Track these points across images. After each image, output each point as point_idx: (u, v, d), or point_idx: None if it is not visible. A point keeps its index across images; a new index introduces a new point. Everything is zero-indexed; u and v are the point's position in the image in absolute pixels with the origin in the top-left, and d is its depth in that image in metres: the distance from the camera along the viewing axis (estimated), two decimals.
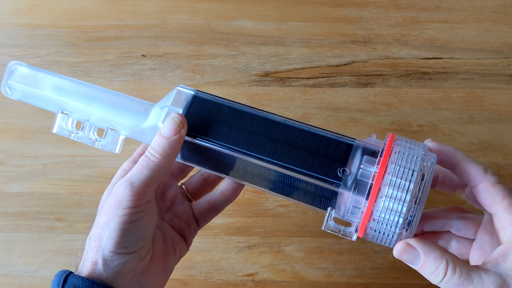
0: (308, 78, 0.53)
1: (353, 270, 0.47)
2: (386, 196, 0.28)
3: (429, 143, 0.31)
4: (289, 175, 0.31)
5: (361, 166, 0.30)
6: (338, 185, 0.30)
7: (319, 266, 0.47)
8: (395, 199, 0.28)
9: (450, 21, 0.56)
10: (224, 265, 0.47)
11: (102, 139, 0.36)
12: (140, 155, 0.35)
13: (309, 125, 0.32)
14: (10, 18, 0.57)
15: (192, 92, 0.34)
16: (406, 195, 0.28)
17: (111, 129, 0.35)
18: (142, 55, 0.54)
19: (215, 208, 0.39)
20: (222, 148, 0.32)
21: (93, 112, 0.35)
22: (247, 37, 0.55)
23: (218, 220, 0.48)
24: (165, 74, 0.54)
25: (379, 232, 0.29)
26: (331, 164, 0.30)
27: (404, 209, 0.28)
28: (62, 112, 0.37)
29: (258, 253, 0.47)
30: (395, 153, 0.29)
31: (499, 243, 0.29)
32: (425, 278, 0.47)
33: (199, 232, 0.48)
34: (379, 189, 0.28)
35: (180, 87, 0.35)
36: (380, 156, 0.29)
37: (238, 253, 0.47)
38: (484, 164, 0.49)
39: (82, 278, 0.29)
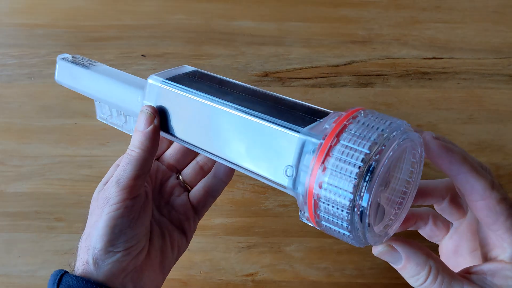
0: (308, 78, 0.53)
1: (353, 270, 0.47)
2: (327, 186, 0.24)
3: (430, 138, 0.27)
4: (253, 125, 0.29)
5: (300, 165, 0.26)
6: (297, 132, 0.27)
7: (319, 266, 0.47)
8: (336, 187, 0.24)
9: (450, 21, 0.56)
10: (224, 265, 0.47)
11: (126, 123, 0.37)
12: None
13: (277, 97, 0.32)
14: (9, 18, 0.56)
15: (191, 69, 0.35)
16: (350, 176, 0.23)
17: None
18: (141, 55, 0.54)
19: (211, 193, 0.39)
20: (194, 94, 0.31)
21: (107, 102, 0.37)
22: (247, 37, 0.55)
23: (218, 220, 0.48)
24: None
25: (330, 222, 0.25)
26: (295, 119, 0.28)
27: (347, 202, 0.23)
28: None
29: (258, 253, 0.47)
30: (344, 134, 0.25)
31: (487, 256, 0.28)
32: None
33: (199, 232, 0.48)
34: (314, 191, 0.24)
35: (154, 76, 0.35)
36: (316, 154, 0.25)
37: (238, 253, 0.47)
38: None
39: (76, 277, 0.29)
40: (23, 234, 0.48)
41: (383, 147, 0.24)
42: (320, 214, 0.25)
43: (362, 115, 0.26)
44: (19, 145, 0.51)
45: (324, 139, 0.25)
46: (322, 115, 0.30)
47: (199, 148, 0.32)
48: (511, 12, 0.56)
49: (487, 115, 0.51)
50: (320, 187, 0.24)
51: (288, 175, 0.27)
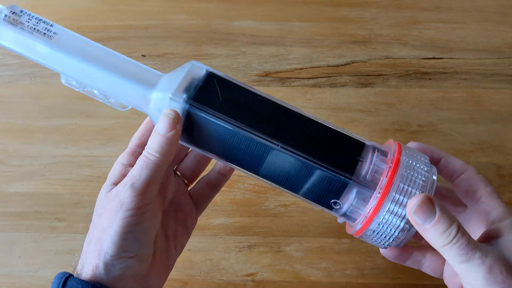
0: (308, 78, 0.53)
1: (353, 270, 0.47)
2: (387, 211, 0.29)
3: (412, 143, 0.33)
4: (300, 165, 0.30)
5: (374, 161, 0.30)
6: (349, 179, 0.29)
7: (319, 266, 0.47)
8: (400, 205, 0.28)
9: (450, 21, 0.56)
10: (224, 265, 0.47)
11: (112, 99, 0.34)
12: (137, 145, 0.34)
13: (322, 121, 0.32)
14: None
15: (204, 71, 0.32)
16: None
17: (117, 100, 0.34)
18: (142, 55, 0.54)
19: (214, 187, 0.39)
20: (228, 123, 0.30)
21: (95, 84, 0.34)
22: (247, 37, 0.55)
23: (218, 220, 0.48)
24: None
25: (378, 234, 0.30)
26: (343, 159, 0.30)
27: (402, 224, 0.29)
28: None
29: (258, 253, 0.47)
30: (402, 166, 0.29)
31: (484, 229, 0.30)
32: (425, 278, 0.47)
33: (199, 232, 0.48)
34: (392, 183, 0.29)
35: (195, 62, 0.33)
36: (393, 155, 0.30)
37: (238, 253, 0.47)
38: (484, 164, 0.50)
39: (82, 281, 0.29)
40: (23, 234, 0.48)
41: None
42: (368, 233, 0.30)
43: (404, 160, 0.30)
44: (20, 145, 0.51)
45: (379, 193, 0.29)
46: (358, 147, 0.32)
47: (231, 164, 0.32)
48: None
49: (487, 115, 0.51)
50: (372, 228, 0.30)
51: (335, 207, 0.31)
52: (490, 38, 0.55)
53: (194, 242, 0.47)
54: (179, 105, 0.31)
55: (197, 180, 0.39)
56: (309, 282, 0.46)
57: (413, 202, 0.28)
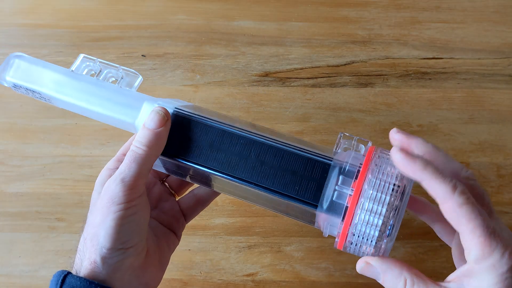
0: (308, 78, 0.53)
1: (353, 270, 0.47)
2: (362, 210, 0.28)
3: (394, 152, 0.28)
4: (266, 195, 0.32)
5: (336, 187, 0.30)
6: (315, 207, 0.30)
7: (319, 266, 0.47)
8: (371, 213, 0.28)
9: (450, 21, 0.56)
10: (224, 265, 0.47)
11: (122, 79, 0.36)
12: (124, 154, 0.35)
13: (288, 141, 0.32)
14: (12, 18, 0.57)
15: (171, 111, 0.34)
16: (382, 208, 0.28)
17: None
18: (142, 55, 0.54)
19: (201, 202, 0.39)
20: (200, 168, 0.32)
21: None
22: (247, 37, 0.55)
23: (218, 220, 0.48)
24: (165, 74, 0.54)
25: (356, 245, 0.30)
26: (308, 185, 0.30)
27: (380, 221, 0.28)
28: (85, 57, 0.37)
29: (258, 253, 0.47)
30: (373, 167, 0.29)
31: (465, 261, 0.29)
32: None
33: (199, 232, 0.48)
34: (354, 209, 0.28)
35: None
36: (356, 178, 0.29)
37: (238, 253, 0.47)
38: (484, 164, 0.49)
39: (80, 278, 0.29)
40: (23, 234, 0.48)
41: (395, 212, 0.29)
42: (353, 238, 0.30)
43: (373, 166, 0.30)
44: (20, 145, 0.51)
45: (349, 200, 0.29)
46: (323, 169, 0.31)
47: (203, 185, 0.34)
48: (511, 12, 0.56)
49: (487, 115, 0.51)
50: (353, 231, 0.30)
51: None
52: (490, 38, 0.55)
53: (194, 242, 0.47)
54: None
55: (185, 192, 0.40)
56: (309, 282, 0.46)
57: (358, 266, 0.30)
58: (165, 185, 0.39)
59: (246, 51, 0.54)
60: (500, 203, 0.48)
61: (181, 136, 0.33)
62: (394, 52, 0.54)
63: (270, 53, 0.54)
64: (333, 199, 0.30)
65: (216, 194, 0.40)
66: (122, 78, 0.36)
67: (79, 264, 0.31)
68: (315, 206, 0.30)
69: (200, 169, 0.32)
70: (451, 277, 0.29)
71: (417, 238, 0.47)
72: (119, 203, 0.30)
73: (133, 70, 0.35)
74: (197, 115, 0.33)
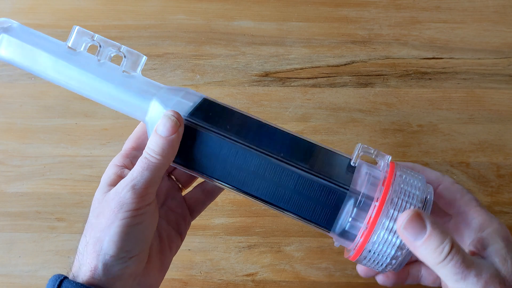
0: (308, 78, 0.53)
1: (354, 270, 0.47)
2: (382, 228, 0.28)
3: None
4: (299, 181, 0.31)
5: (350, 219, 0.30)
6: (327, 231, 0.31)
7: (319, 266, 0.47)
8: (385, 241, 0.28)
9: (450, 21, 0.56)
10: (224, 265, 0.47)
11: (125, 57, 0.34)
12: (132, 148, 0.34)
13: (306, 165, 0.31)
14: (11, 18, 0.56)
15: (201, 97, 0.33)
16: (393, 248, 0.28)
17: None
18: None
19: (210, 196, 0.38)
20: (214, 180, 0.32)
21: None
22: (247, 37, 0.55)
23: (218, 220, 0.48)
24: (165, 74, 0.54)
25: (374, 253, 0.30)
26: (322, 211, 0.30)
27: (393, 251, 0.28)
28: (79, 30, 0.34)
29: (258, 253, 0.47)
30: (388, 207, 0.28)
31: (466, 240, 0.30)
32: None
33: (199, 232, 0.48)
34: (370, 235, 0.28)
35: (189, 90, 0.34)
36: (386, 170, 0.30)
37: (238, 253, 0.47)
38: (484, 164, 0.50)
39: (77, 284, 0.29)
40: (23, 234, 0.48)
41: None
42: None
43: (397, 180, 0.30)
44: (20, 145, 0.51)
45: (375, 210, 0.29)
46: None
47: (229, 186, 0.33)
48: (511, 12, 0.56)
49: (487, 115, 0.51)
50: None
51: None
52: (490, 38, 0.55)
53: (194, 242, 0.47)
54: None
55: (192, 185, 0.39)
56: (309, 282, 0.46)
57: (403, 218, 0.27)
58: (171, 178, 0.38)
59: (246, 51, 0.54)
60: (500, 203, 0.48)
61: (194, 146, 0.31)
62: (394, 52, 0.54)
63: (270, 53, 0.54)
64: (346, 229, 0.30)
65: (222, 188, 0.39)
66: (125, 57, 0.34)
67: (77, 268, 0.30)
68: (328, 230, 0.31)
69: (214, 181, 0.32)
70: (470, 249, 0.29)
71: None
72: (127, 210, 0.29)
73: (135, 51, 0.34)
74: (213, 129, 0.31)
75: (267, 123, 0.33)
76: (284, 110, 0.52)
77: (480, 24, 0.55)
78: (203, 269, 0.47)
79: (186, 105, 0.32)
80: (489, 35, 0.55)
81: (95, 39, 0.34)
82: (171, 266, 0.46)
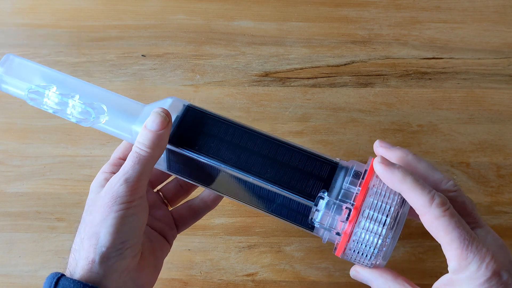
0: (308, 78, 0.53)
1: None
2: (367, 218, 0.29)
3: (376, 163, 0.30)
4: (272, 191, 0.32)
5: (343, 186, 0.31)
6: (311, 230, 0.32)
7: (319, 266, 0.47)
8: (375, 221, 0.29)
9: (450, 21, 0.56)
10: (224, 265, 0.47)
11: (80, 111, 0.35)
12: (119, 158, 0.36)
13: (295, 145, 0.34)
14: (11, 18, 0.57)
15: (186, 104, 0.35)
16: (386, 218, 0.29)
17: (100, 104, 0.35)
18: (142, 55, 0.54)
19: (195, 215, 0.40)
20: (209, 160, 0.33)
21: (84, 91, 0.36)
22: (247, 37, 0.55)
23: (218, 220, 0.48)
24: (165, 74, 0.54)
25: (357, 252, 0.30)
26: (314, 184, 0.31)
27: (384, 231, 0.29)
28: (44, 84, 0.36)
29: (258, 253, 0.47)
30: (376, 177, 0.30)
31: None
32: (425, 278, 0.47)
33: (199, 232, 0.48)
34: (360, 211, 0.29)
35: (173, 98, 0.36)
36: (362, 178, 0.30)
37: (238, 253, 0.47)
38: (484, 164, 0.50)
39: (74, 280, 0.29)
40: (23, 234, 0.48)
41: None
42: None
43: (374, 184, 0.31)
44: (20, 145, 0.51)
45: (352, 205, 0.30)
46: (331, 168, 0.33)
47: (204, 186, 0.35)
48: (511, 12, 0.56)
49: (487, 115, 0.51)
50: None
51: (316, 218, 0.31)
52: (490, 38, 0.55)
53: (194, 242, 0.47)
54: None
55: (178, 203, 0.40)
56: (309, 282, 0.46)
57: (351, 273, 0.33)
58: (159, 194, 0.40)
59: (246, 51, 0.54)
60: (500, 203, 0.48)
61: (192, 129, 0.33)
62: (394, 52, 0.54)
63: (270, 53, 0.54)
64: (339, 197, 0.31)
65: (210, 208, 0.40)
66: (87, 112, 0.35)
67: (74, 265, 0.31)
68: (311, 229, 0.32)
69: (210, 162, 0.33)
70: (435, 285, 0.30)
71: (417, 238, 0.47)
72: (121, 203, 0.30)
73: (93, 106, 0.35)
74: (210, 112, 0.34)
75: (246, 129, 0.34)
76: (284, 110, 0.52)
77: (480, 24, 0.55)
78: (203, 269, 0.47)
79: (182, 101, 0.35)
80: (489, 35, 0.55)
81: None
82: (171, 266, 0.46)
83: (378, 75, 0.53)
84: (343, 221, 0.30)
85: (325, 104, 0.52)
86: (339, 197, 0.31)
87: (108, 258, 0.30)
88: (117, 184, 0.31)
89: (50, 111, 0.36)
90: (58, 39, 0.55)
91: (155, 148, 0.32)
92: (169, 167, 0.36)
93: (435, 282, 0.30)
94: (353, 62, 0.54)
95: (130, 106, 0.35)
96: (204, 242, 0.47)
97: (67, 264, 0.32)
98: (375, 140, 0.33)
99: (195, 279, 0.46)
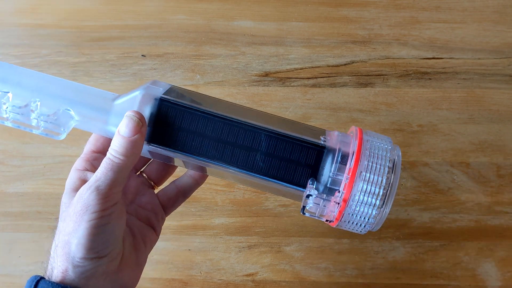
0: (308, 78, 0.53)
1: (353, 270, 0.47)
2: (360, 192, 0.30)
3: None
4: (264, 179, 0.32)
5: (330, 175, 0.31)
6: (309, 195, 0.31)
7: (319, 266, 0.47)
8: (369, 193, 0.30)
9: (450, 21, 0.56)
10: (224, 265, 0.47)
11: (47, 122, 0.33)
12: (91, 151, 0.35)
13: (279, 126, 0.33)
14: (12, 18, 0.57)
15: (158, 96, 0.32)
16: (379, 190, 0.30)
17: (66, 109, 0.33)
18: (142, 55, 0.54)
19: (184, 193, 0.38)
20: (192, 157, 0.32)
21: (46, 94, 0.32)
22: (247, 37, 0.55)
23: (218, 220, 0.48)
24: (165, 74, 0.54)
25: (352, 223, 0.31)
26: (302, 172, 0.31)
27: (378, 202, 0.30)
28: None
29: (258, 253, 0.47)
30: (366, 150, 0.31)
31: None
32: (425, 278, 0.47)
33: (199, 232, 0.48)
34: (350, 193, 0.30)
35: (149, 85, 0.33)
36: (350, 165, 0.31)
37: (238, 253, 0.47)
38: (484, 164, 0.50)
39: (52, 283, 0.29)
40: (24, 234, 0.48)
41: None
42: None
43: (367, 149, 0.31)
44: (20, 145, 0.51)
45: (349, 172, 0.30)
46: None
47: (206, 161, 0.33)
48: (511, 12, 0.56)
49: (487, 115, 0.51)
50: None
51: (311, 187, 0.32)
52: (490, 38, 0.55)
53: (194, 242, 0.47)
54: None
55: (164, 182, 0.39)
56: (309, 282, 0.46)
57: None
58: (143, 176, 0.38)
59: (246, 51, 0.54)
60: (500, 203, 0.48)
61: (170, 124, 0.32)
62: (394, 52, 0.54)
63: (270, 53, 0.54)
64: (328, 185, 0.31)
65: (198, 184, 0.39)
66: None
67: (50, 271, 0.30)
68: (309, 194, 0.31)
69: (193, 158, 0.32)
70: None
71: (417, 238, 0.47)
72: (92, 212, 0.29)
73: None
74: (187, 104, 0.32)
75: (227, 117, 0.33)
76: (284, 110, 0.52)
77: (480, 24, 0.55)
78: (203, 269, 0.47)
79: (156, 91, 0.33)
80: (489, 35, 0.55)
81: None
82: (171, 266, 0.46)
83: (378, 75, 0.53)
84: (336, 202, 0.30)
85: (325, 104, 0.52)
86: (328, 185, 0.31)
87: (82, 267, 0.29)
88: (87, 192, 0.29)
89: (10, 125, 0.33)
90: (58, 39, 0.55)
91: (129, 155, 0.30)
92: (152, 154, 0.34)
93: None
94: (353, 62, 0.54)
95: (99, 102, 0.33)
96: (204, 242, 0.47)
97: (46, 268, 0.32)
98: None
99: (195, 279, 0.46)
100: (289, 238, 0.47)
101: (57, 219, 0.48)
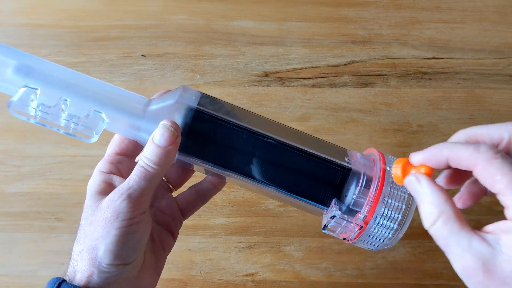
0: (308, 78, 0.53)
1: (353, 270, 0.47)
2: (381, 216, 0.31)
3: (414, 156, 0.29)
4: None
5: (354, 197, 0.32)
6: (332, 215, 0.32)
7: (319, 266, 0.47)
8: (388, 218, 0.31)
9: (450, 21, 0.56)
10: (224, 265, 0.47)
11: (78, 125, 0.32)
12: (115, 153, 0.34)
13: (308, 142, 0.34)
14: (12, 18, 0.57)
15: (194, 107, 0.32)
16: (398, 215, 0.31)
17: (97, 111, 0.32)
18: (142, 55, 0.54)
19: (202, 198, 0.38)
20: (219, 169, 0.32)
21: (77, 94, 0.31)
22: (247, 37, 0.55)
23: (218, 220, 0.48)
24: (165, 74, 0.54)
25: (367, 242, 0.32)
26: (326, 191, 0.32)
27: (396, 225, 0.31)
28: (27, 87, 0.30)
29: (258, 253, 0.47)
30: (390, 178, 0.32)
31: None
32: (425, 278, 0.47)
33: (199, 232, 0.48)
34: (372, 216, 0.31)
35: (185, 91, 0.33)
36: (374, 189, 0.31)
37: (238, 253, 0.47)
38: None
39: (75, 286, 0.29)
40: (24, 234, 0.48)
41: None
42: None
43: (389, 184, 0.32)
44: (20, 145, 0.51)
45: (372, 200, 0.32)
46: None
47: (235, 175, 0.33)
48: (511, 12, 0.56)
49: (487, 115, 0.51)
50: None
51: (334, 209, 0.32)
52: (490, 38, 0.55)
53: (194, 242, 0.47)
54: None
55: (183, 185, 0.39)
56: (309, 282, 0.46)
57: (408, 178, 0.28)
58: (162, 179, 0.38)
59: (246, 51, 0.54)
60: (500, 203, 0.48)
61: (203, 135, 0.32)
62: (394, 52, 0.54)
63: (270, 53, 0.54)
64: (350, 206, 0.32)
65: (218, 189, 0.39)
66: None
67: (73, 274, 0.30)
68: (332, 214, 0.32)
69: (223, 171, 0.32)
70: (489, 228, 0.27)
71: (417, 238, 0.47)
72: (123, 219, 0.29)
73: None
74: (222, 117, 0.32)
75: (258, 132, 0.33)
76: (284, 110, 0.52)
77: (480, 24, 0.55)
78: (203, 269, 0.47)
79: (189, 100, 0.32)
80: (489, 35, 0.55)
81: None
82: (171, 266, 0.46)
83: (378, 75, 0.53)
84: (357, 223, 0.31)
85: (325, 104, 0.52)
86: (350, 206, 0.32)
87: (108, 272, 0.30)
88: (119, 198, 0.29)
89: (34, 122, 0.31)
90: (58, 39, 0.55)
91: (162, 165, 0.30)
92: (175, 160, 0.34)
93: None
94: (353, 62, 0.54)
95: (131, 107, 0.33)
96: (204, 242, 0.47)
97: (66, 270, 0.31)
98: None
99: (195, 279, 0.46)
100: (289, 238, 0.47)
101: (57, 219, 0.48)
